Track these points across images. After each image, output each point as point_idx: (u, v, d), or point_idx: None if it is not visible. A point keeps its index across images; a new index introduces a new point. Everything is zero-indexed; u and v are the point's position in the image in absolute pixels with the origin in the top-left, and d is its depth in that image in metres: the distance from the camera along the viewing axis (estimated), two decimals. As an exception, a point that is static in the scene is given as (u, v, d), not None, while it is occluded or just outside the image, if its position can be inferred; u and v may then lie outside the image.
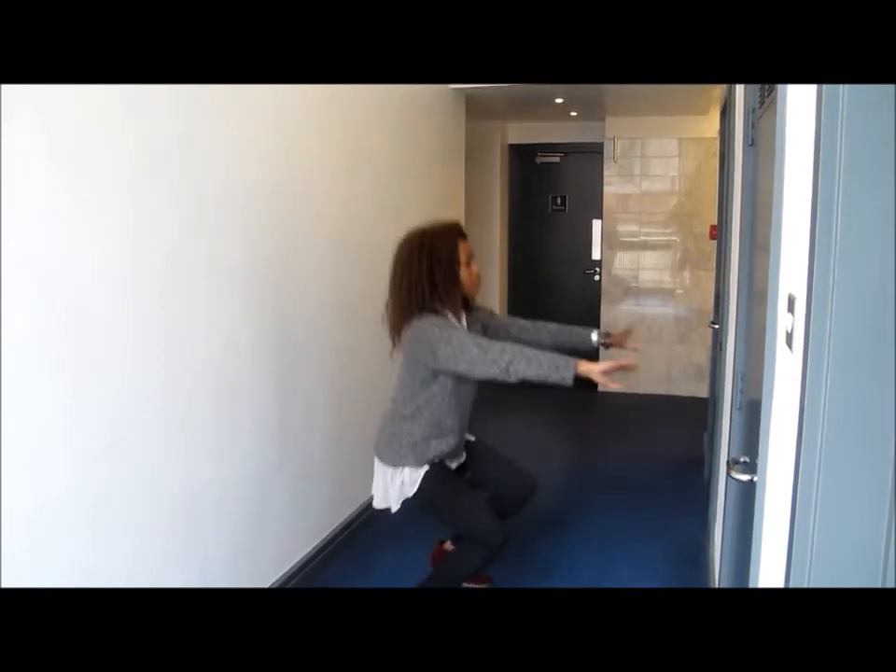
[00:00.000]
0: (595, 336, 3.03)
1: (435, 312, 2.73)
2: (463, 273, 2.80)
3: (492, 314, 3.15)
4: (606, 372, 2.49)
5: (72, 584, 2.06)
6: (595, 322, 6.95)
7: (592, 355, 2.90)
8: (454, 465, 3.02)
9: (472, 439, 3.13)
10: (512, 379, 2.56)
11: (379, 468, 2.90)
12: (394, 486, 2.84)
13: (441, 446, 2.85)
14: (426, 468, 2.82)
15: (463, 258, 2.80)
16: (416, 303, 2.72)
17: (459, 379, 2.79)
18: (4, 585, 1.82)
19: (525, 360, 2.53)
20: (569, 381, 2.49)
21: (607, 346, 3.07)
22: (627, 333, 3.13)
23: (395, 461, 2.83)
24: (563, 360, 2.51)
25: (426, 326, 2.67)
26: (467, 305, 2.93)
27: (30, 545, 1.94)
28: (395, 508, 2.88)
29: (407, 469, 2.82)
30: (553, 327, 3.11)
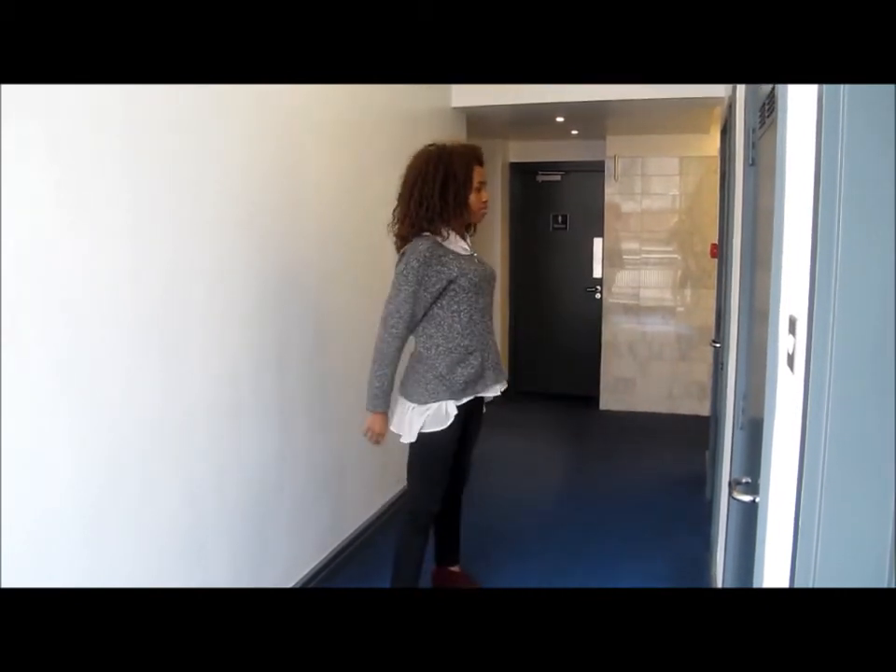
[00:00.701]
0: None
1: (438, 232, 2.75)
2: (472, 197, 2.82)
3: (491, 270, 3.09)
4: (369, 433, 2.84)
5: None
6: (596, 342, 6.96)
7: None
8: (490, 394, 2.97)
9: (487, 400, 3.06)
10: (374, 355, 2.77)
11: (405, 406, 2.83)
12: (419, 419, 2.79)
13: (466, 370, 2.81)
14: (455, 410, 2.79)
15: (476, 182, 2.82)
16: (425, 217, 2.74)
17: (478, 295, 2.81)
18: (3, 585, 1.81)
19: (377, 367, 2.76)
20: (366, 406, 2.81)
21: None
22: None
23: (427, 398, 2.79)
24: (374, 400, 2.79)
25: (403, 261, 2.73)
26: (468, 229, 2.95)
27: (28, 553, 1.93)
28: (408, 439, 2.83)
29: (438, 404, 2.78)
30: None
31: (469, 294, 2.79)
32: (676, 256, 6.80)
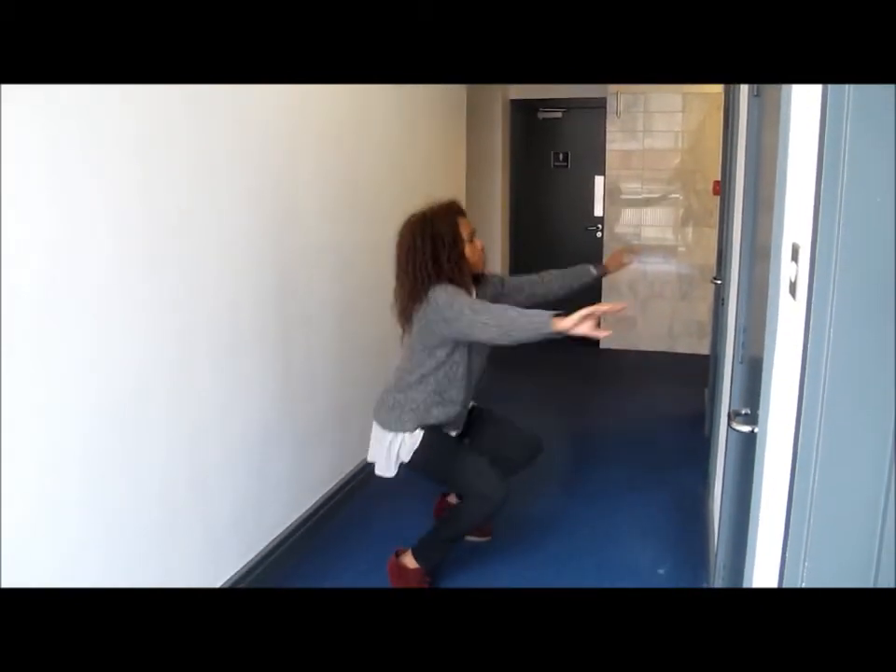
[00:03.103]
0: (593, 270, 3.25)
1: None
2: (467, 249, 2.83)
3: (502, 280, 3.16)
4: (581, 323, 2.45)
5: (76, 541, 2.09)
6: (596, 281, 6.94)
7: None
8: (452, 433, 3.04)
9: (472, 405, 3.15)
10: (509, 342, 2.60)
11: (378, 434, 2.92)
12: (392, 452, 2.86)
13: (440, 415, 2.88)
14: (421, 432, 2.85)
15: (465, 235, 2.83)
16: (424, 287, 2.75)
17: (472, 351, 2.86)
18: (5, 574, 1.82)
19: (510, 324, 2.57)
20: (551, 335, 2.51)
21: (605, 274, 3.39)
22: (620, 255, 3.39)
23: (395, 427, 2.86)
24: (539, 318, 2.51)
25: (439, 291, 2.71)
26: (476, 280, 2.94)
27: (37, 501, 1.96)
28: (391, 473, 2.89)
29: (406, 434, 2.85)
30: (557, 273, 3.23)
31: (472, 351, 2.86)
32: (678, 194, 6.75)
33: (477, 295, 2.92)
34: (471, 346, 2.86)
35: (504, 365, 5.90)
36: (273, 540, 3.11)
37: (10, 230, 1.79)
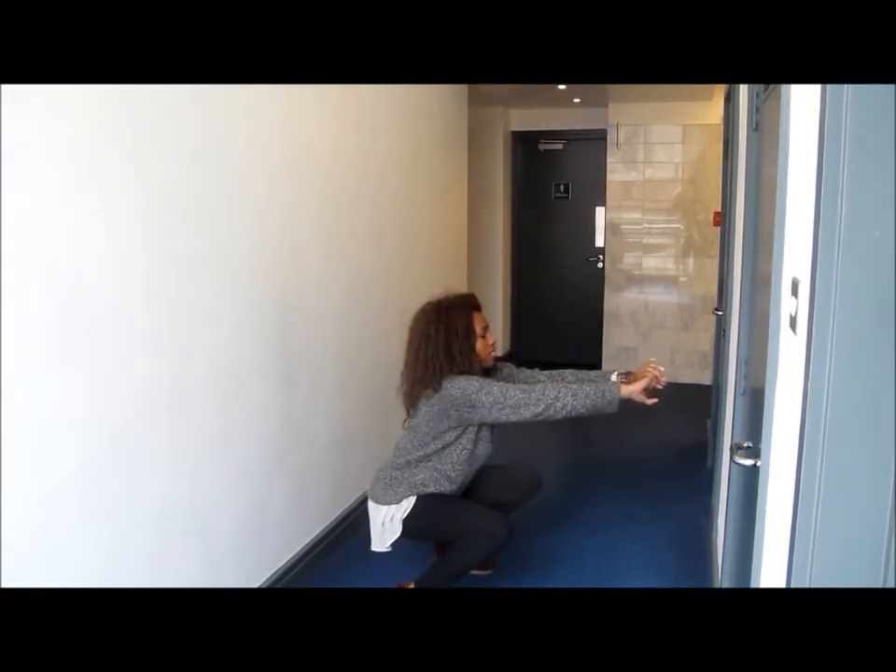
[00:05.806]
0: (614, 377, 2.97)
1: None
2: (479, 344, 2.85)
3: (511, 374, 3.13)
4: (644, 390, 2.70)
5: (75, 572, 2.07)
6: (598, 311, 6.96)
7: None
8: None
9: None
10: (560, 414, 2.64)
11: (374, 511, 2.90)
12: (385, 525, 2.85)
13: (438, 489, 2.86)
14: (413, 498, 2.83)
15: (478, 329, 2.85)
16: (434, 378, 2.76)
17: (480, 437, 2.86)
18: (4, 582, 1.81)
19: (570, 394, 2.64)
20: (616, 405, 2.66)
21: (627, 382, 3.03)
22: (646, 370, 2.91)
23: (391, 500, 2.85)
24: (607, 386, 2.65)
25: (462, 381, 2.72)
26: (485, 374, 2.94)
27: (33, 531, 1.95)
28: (385, 547, 2.87)
29: (398, 505, 2.84)
30: (570, 376, 3.07)
31: (479, 436, 2.87)
32: (678, 225, 6.77)
33: None
34: (480, 432, 2.87)
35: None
36: (272, 574, 3.08)
37: (14, 252, 1.79)
